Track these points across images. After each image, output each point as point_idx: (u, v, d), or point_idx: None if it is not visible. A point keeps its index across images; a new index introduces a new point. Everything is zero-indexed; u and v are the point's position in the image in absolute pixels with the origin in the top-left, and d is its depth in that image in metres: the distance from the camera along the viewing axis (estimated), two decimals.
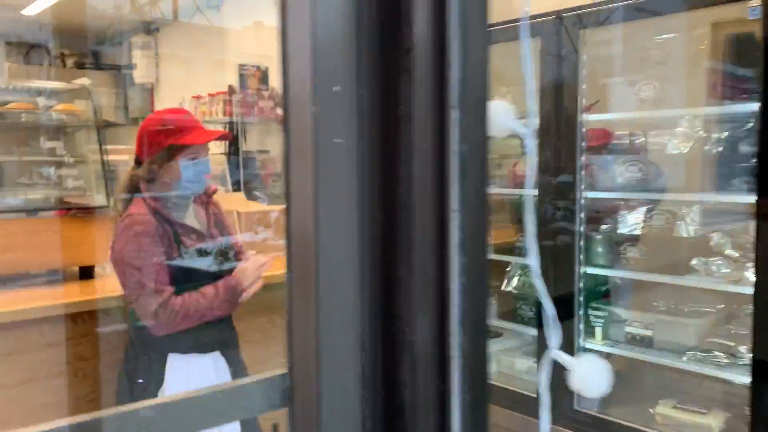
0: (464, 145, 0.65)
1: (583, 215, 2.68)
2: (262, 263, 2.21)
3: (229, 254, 2.32)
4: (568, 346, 2.76)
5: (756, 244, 2.12)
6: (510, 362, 3.20)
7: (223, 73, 6.41)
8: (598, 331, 2.80)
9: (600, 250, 2.72)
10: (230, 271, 2.25)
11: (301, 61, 0.64)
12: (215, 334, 2.23)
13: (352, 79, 0.65)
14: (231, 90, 5.60)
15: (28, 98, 2.85)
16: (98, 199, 2.68)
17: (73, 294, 2.49)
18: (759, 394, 2.16)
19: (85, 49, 9.38)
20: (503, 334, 3.39)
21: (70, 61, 9.04)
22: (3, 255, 2.45)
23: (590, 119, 2.69)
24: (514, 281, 3.21)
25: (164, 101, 7.56)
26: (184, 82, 7.35)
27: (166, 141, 2.17)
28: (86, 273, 2.71)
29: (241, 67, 4.86)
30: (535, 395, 2.97)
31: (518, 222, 3.17)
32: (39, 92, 2.71)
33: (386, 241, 0.67)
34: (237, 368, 2.30)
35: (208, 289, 2.12)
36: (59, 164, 2.65)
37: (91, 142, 2.76)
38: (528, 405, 2.92)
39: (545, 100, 2.74)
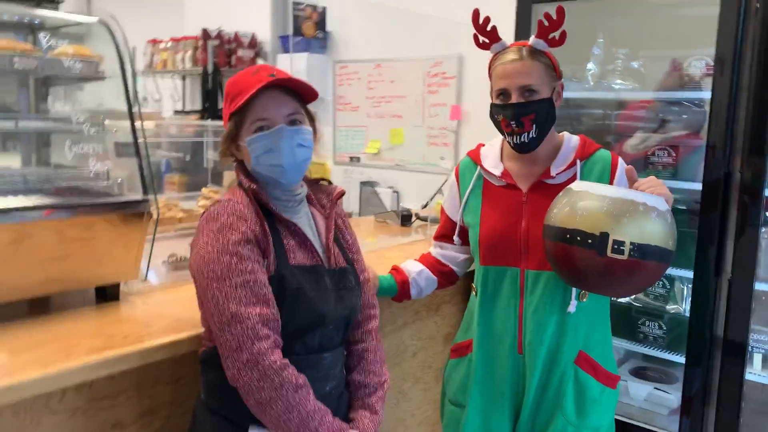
0: None
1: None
2: None
3: (348, 277, 1.58)
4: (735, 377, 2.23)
5: None
6: (622, 386, 2.65)
7: (184, 12, 5.38)
8: (758, 358, 2.29)
9: None
10: (345, 298, 1.53)
11: None
12: None
13: None
14: (205, 34, 4.63)
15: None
16: (125, 188, 1.84)
17: (100, 335, 1.66)
18: None
19: None
20: None
21: None
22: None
23: None
24: None
25: None
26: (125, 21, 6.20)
27: (226, 113, 1.52)
28: (106, 295, 1.88)
29: (296, 6, 3.89)
30: (657, 429, 2.45)
31: None
32: (31, 27, 1.79)
33: None
34: None
35: (317, 407, 1.41)
36: (73, 134, 1.76)
37: (110, 103, 1.89)
38: None
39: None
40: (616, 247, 1.43)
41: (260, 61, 4.83)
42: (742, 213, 2.17)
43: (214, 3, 5.06)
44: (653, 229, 1.45)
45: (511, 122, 1.68)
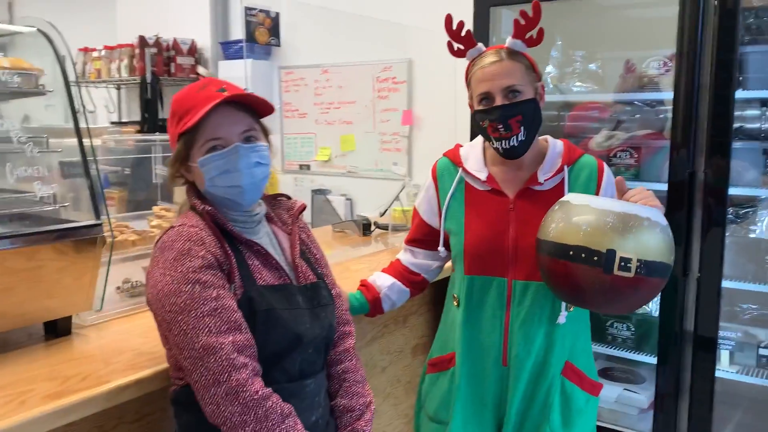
0: None
1: (730, 215, 2.15)
2: None
3: (322, 293, 1.49)
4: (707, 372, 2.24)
5: None
6: None
7: (116, 19, 5.13)
8: (725, 354, 2.32)
9: (742, 258, 2.21)
10: (321, 315, 1.44)
11: None
12: None
13: None
14: (143, 42, 4.41)
15: None
16: (72, 212, 1.69)
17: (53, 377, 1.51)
18: None
19: None
20: None
21: None
22: None
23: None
24: None
25: None
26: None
27: (174, 133, 1.40)
28: (57, 330, 1.72)
29: (248, 11, 3.69)
30: (626, 429, 2.45)
31: None
32: None
33: None
34: None
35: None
36: (13, 154, 1.59)
37: (51, 119, 1.73)
38: None
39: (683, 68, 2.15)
40: (623, 264, 1.37)
41: (201, 69, 4.64)
42: (708, 213, 2.18)
43: (149, 9, 4.84)
44: (657, 244, 1.40)
45: (499, 126, 1.61)
